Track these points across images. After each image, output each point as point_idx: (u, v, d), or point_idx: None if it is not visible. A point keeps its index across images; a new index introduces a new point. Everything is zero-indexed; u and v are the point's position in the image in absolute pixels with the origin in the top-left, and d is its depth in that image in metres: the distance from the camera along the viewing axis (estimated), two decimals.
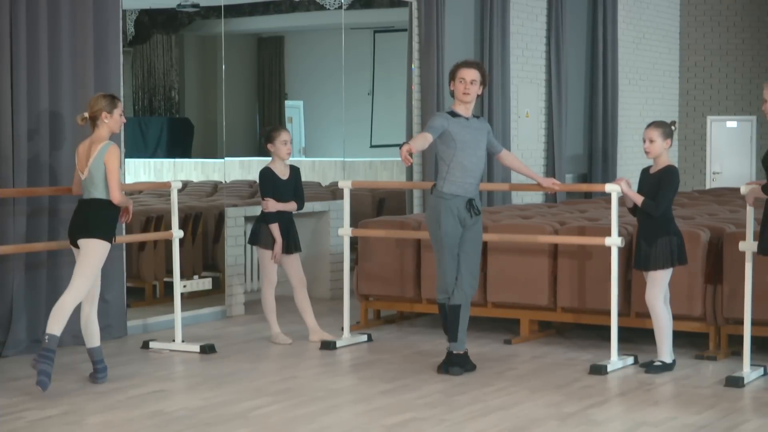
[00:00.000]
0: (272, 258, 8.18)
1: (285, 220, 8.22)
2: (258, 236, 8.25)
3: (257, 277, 10.51)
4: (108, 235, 6.80)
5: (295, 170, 8.33)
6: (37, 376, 6.51)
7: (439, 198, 7.14)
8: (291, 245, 8.25)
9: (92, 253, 6.73)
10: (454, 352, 7.19)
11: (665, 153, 7.27)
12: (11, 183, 7.70)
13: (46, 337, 6.62)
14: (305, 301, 8.37)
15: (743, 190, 6.91)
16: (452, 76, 7.21)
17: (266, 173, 8.19)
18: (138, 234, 9.20)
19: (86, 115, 6.90)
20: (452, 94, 7.24)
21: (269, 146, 8.21)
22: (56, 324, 6.64)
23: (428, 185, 10.88)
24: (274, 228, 8.15)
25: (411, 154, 6.71)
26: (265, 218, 8.19)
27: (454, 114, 7.17)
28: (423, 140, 6.98)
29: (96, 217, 6.77)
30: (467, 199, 7.13)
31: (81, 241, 6.76)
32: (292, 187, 8.25)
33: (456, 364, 7.17)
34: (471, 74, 7.16)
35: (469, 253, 7.18)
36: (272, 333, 8.37)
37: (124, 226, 7.90)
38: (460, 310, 7.15)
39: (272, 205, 8.15)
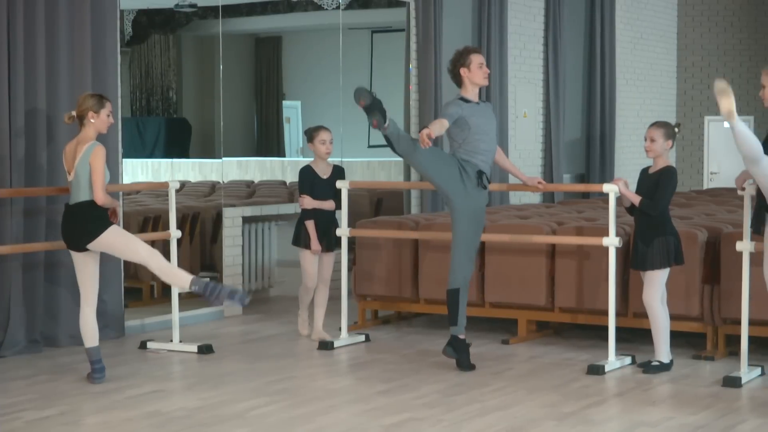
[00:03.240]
0: (313, 253, 8.23)
1: (325, 219, 8.27)
2: (299, 237, 8.31)
3: (255, 277, 10.52)
4: (108, 222, 6.81)
5: (338, 170, 8.37)
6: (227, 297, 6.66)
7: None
8: (329, 243, 8.30)
9: (114, 241, 6.77)
10: (452, 334, 7.26)
11: (666, 153, 7.28)
12: (8, 183, 7.70)
13: (194, 286, 6.62)
14: (323, 300, 8.42)
15: (740, 191, 6.91)
16: (464, 62, 7.21)
17: (304, 171, 8.27)
18: (135, 234, 9.18)
19: (74, 113, 6.88)
20: (460, 81, 7.26)
21: (310, 145, 8.31)
22: (181, 276, 6.72)
23: (426, 185, 10.91)
24: (309, 225, 8.20)
25: (430, 138, 6.75)
26: (303, 216, 8.25)
27: (465, 100, 7.22)
28: (440, 126, 7.01)
29: (89, 219, 6.78)
30: (478, 168, 7.18)
31: (94, 245, 6.78)
32: (332, 186, 8.26)
33: (451, 344, 7.24)
34: (482, 58, 7.29)
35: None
36: (300, 315, 8.55)
37: (120, 226, 7.89)
38: (459, 294, 7.23)
39: (308, 203, 8.20)
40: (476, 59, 7.23)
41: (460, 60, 7.25)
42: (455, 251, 7.20)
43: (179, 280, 6.76)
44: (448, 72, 7.38)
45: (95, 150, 6.74)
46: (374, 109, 7.00)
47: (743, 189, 6.86)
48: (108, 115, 6.87)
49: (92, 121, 6.81)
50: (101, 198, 6.74)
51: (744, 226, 6.97)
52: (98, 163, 6.72)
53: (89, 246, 6.80)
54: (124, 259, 6.88)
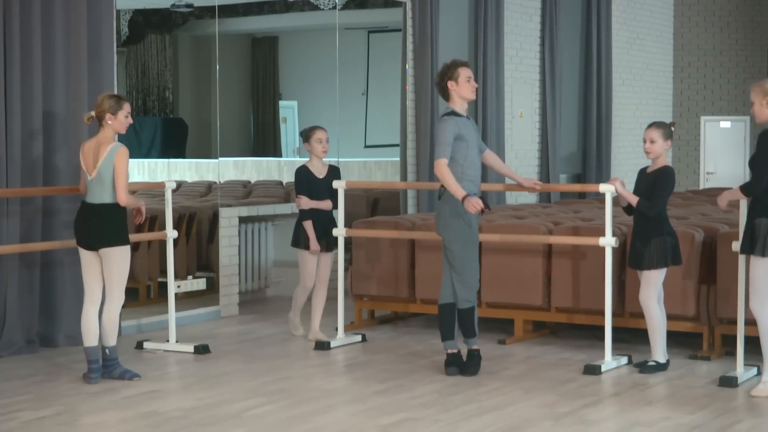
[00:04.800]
0: (312, 253, 8.24)
1: (322, 219, 8.26)
2: (299, 238, 8.31)
3: (251, 277, 10.51)
4: (126, 238, 6.96)
5: (333, 170, 8.36)
6: (123, 378, 6.96)
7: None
8: (328, 243, 8.30)
9: (118, 261, 6.90)
10: (475, 347, 7.27)
11: (665, 154, 7.28)
12: (5, 183, 7.68)
13: (107, 350, 6.99)
14: (321, 300, 8.43)
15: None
16: (452, 75, 7.11)
17: (301, 171, 8.26)
18: (132, 234, 9.15)
19: (93, 114, 6.93)
20: (447, 95, 7.16)
21: (306, 145, 8.31)
22: (111, 336, 7.00)
23: (422, 185, 10.94)
24: (308, 225, 8.20)
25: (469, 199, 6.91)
26: (299, 216, 8.25)
27: (457, 114, 7.15)
28: (449, 174, 6.96)
29: (113, 224, 6.88)
30: (480, 196, 7.17)
31: (104, 251, 6.86)
32: (329, 186, 8.26)
33: (449, 363, 7.23)
34: (470, 72, 7.19)
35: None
36: (291, 319, 8.57)
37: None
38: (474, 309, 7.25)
39: (305, 203, 8.20)
40: (464, 73, 7.12)
41: (447, 73, 7.14)
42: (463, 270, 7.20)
43: (110, 336, 6.99)
44: (436, 86, 7.27)
45: (119, 151, 6.83)
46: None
47: (727, 210, 6.86)
48: (126, 116, 6.93)
49: (110, 122, 6.87)
50: (124, 199, 6.83)
51: (740, 226, 6.96)
52: (122, 165, 6.81)
53: (101, 250, 6.86)
54: (106, 276, 6.92)
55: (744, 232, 6.63)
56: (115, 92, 8.37)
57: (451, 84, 7.13)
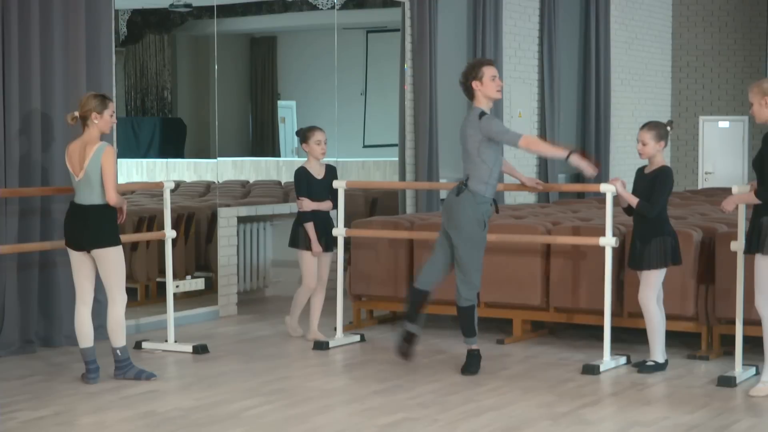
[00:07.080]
0: (314, 255, 8.23)
1: (321, 219, 8.25)
2: (297, 239, 8.29)
3: (250, 277, 10.51)
4: (118, 238, 6.94)
5: (331, 170, 8.34)
6: (139, 379, 6.97)
7: (483, 202, 7.04)
8: (327, 244, 8.29)
9: (113, 262, 6.89)
10: (475, 347, 7.27)
11: (659, 154, 7.28)
12: (3, 183, 7.68)
13: (117, 351, 6.99)
14: (319, 300, 8.41)
15: (735, 190, 6.91)
16: (476, 75, 7.00)
17: (301, 173, 8.24)
18: (130, 234, 9.18)
19: (77, 114, 6.88)
20: (472, 94, 7.06)
21: (304, 146, 8.29)
22: (119, 337, 7.01)
23: (421, 185, 10.96)
24: (309, 227, 8.18)
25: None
26: (300, 217, 8.23)
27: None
28: (541, 141, 7.01)
29: (104, 225, 6.85)
30: (492, 200, 7.17)
31: (96, 252, 6.85)
32: (328, 187, 8.26)
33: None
34: (495, 70, 7.11)
35: None
36: (288, 323, 8.55)
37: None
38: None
39: (306, 204, 8.19)
40: (489, 72, 7.01)
41: (472, 73, 7.03)
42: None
43: (118, 337, 7.00)
44: (460, 84, 7.11)
45: (107, 151, 6.79)
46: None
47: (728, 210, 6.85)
48: (111, 116, 6.90)
49: (95, 122, 6.84)
50: (114, 199, 6.81)
51: (739, 226, 6.97)
52: (110, 164, 6.78)
53: (93, 252, 6.84)
54: (104, 278, 6.92)
55: (749, 231, 6.61)
56: (113, 92, 8.38)
57: (475, 84, 7.03)
